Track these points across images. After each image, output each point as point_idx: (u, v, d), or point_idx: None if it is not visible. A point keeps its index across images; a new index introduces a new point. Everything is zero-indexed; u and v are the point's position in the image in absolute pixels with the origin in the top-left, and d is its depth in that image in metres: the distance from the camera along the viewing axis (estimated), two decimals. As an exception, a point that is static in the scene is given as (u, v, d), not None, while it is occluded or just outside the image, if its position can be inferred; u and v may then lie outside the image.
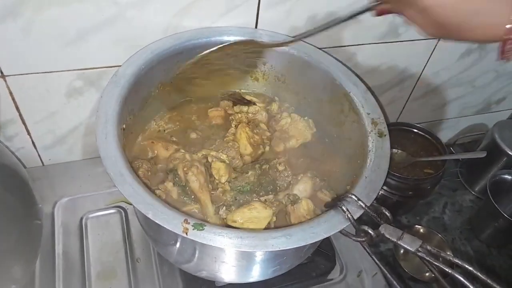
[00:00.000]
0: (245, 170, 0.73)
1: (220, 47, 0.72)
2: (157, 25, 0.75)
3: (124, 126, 0.66)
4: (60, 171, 0.91)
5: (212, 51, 0.72)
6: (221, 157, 0.72)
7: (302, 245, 0.53)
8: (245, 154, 0.75)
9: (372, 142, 0.67)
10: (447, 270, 0.49)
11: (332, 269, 0.84)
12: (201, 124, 0.81)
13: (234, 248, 0.51)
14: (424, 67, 1.03)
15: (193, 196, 0.68)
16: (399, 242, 0.52)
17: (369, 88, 0.75)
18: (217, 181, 0.70)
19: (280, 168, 0.73)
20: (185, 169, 0.68)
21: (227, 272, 0.66)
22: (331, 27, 0.67)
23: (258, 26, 0.81)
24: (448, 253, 0.80)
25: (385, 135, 0.68)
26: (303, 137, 0.80)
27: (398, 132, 1.05)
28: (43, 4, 0.65)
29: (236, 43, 0.74)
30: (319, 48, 0.81)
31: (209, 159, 0.71)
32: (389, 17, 0.86)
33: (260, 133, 0.79)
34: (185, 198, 0.68)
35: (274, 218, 0.67)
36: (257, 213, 0.65)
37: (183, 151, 0.73)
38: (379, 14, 0.57)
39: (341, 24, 0.83)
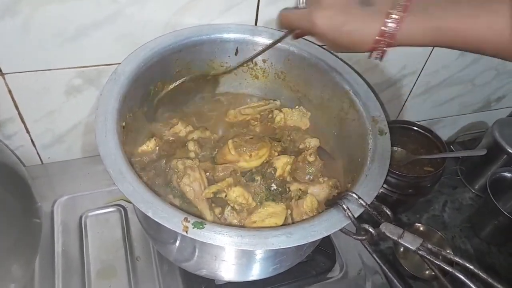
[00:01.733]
0: (249, 177, 0.71)
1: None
2: (157, 22, 0.74)
3: (123, 124, 0.66)
4: (59, 169, 0.91)
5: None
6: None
7: (303, 243, 0.52)
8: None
9: (373, 140, 0.67)
10: (447, 268, 0.49)
11: (332, 267, 0.84)
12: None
13: (235, 246, 0.51)
14: (424, 65, 1.02)
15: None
16: (400, 240, 0.52)
17: (369, 86, 0.75)
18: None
19: (289, 179, 0.73)
20: (178, 180, 0.67)
21: (227, 270, 0.66)
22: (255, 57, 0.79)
23: (258, 23, 0.81)
24: (448, 251, 0.80)
25: (385, 133, 0.68)
26: (303, 125, 0.81)
27: (398, 130, 1.05)
28: (41, 1, 0.65)
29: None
30: (319, 46, 0.81)
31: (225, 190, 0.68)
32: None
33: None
34: (186, 205, 0.67)
35: (289, 211, 0.67)
36: (273, 208, 0.65)
37: (176, 159, 0.70)
38: (296, 37, 0.67)
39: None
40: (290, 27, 0.65)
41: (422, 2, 0.52)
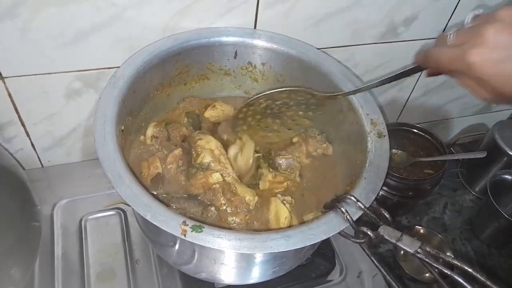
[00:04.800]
0: None
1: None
2: (156, 26, 0.74)
3: (122, 127, 0.66)
4: (59, 172, 0.91)
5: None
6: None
7: (301, 247, 0.52)
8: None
9: (371, 142, 0.67)
10: (446, 271, 0.49)
11: (332, 270, 0.84)
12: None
13: (233, 250, 0.51)
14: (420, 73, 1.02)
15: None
16: (398, 243, 0.51)
17: (368, 89, 0.75)
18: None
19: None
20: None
21: (227, 273, 0.66)
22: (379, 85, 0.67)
23: (256, 27, 0.81)
24: (448, 254, 0.80)
25: (384, 135, 0.68)
26: None
27: (398, 132, 1.05)
28: (40, 4, 0.65)
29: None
30: (318, 48, 0.81)
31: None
32: (388, 16, 0.87)
33: None
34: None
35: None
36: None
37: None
38: (430, 75, 0.55)
39: (339, 24, 0.85)
40: (437, 68, 0.52)
41: None
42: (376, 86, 0.67)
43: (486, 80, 0.45)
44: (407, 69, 0.59)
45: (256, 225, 0.67)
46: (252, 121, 0.78)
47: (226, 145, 0.75)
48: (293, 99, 0.74)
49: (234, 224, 0.66)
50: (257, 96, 0.73)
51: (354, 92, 0.71)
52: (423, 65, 0.54)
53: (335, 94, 0.73)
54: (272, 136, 0.80)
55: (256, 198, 0.68)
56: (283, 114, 0.77)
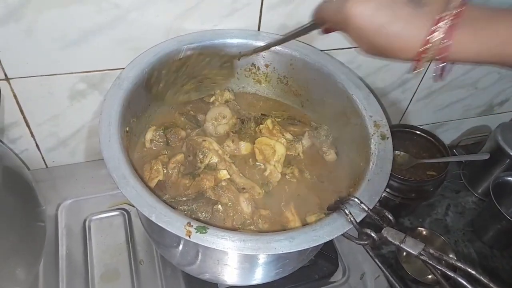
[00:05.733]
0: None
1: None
2: (159, 27, 0.75)
3: (127, 128, 0.67)
4: (63, 173, 0.92)
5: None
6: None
7: (305, 248, 0.53)
8: None
9: (375, 144, 0.67)
10: (449, 273, 0.49)
11: (335, 271, 0.84)
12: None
13: (237, 251, 0.52)
14: (427, 68, 1.02)
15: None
16: (401, 245, 0.52)
17: (371, 91, 0.75)
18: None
19: None
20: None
21: (230, 274, 0.66)
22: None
23: (260, 29, 0.81)
24: (451, 256, 0.80)
25: (387, 137, 0.68)
26: None
27: (400, 134, 1.05)
28: (44, 6, 0.66)
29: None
30: (321, 50, 0.81)
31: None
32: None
33: None
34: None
35: None
36: None
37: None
38: (325, 32, 0.59)
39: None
40: (323, 20, 0.56)
41: (481, 11, 0.44)
42: (278, 44, 0.76)
43: (362, 32, 0.48)
44: (306, 25, 0.63)
45: (264, 212, 0.68)
46: (168, 79, 0.74)
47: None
48: (205, 59, 0.76)
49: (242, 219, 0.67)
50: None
51: (255, 51, 0.77)
52: (316, 21, 0.58)
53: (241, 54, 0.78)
54: (192, 95, 0.78)
55: (263, 191, 0.70)
56: (199, 73, 0.76)
